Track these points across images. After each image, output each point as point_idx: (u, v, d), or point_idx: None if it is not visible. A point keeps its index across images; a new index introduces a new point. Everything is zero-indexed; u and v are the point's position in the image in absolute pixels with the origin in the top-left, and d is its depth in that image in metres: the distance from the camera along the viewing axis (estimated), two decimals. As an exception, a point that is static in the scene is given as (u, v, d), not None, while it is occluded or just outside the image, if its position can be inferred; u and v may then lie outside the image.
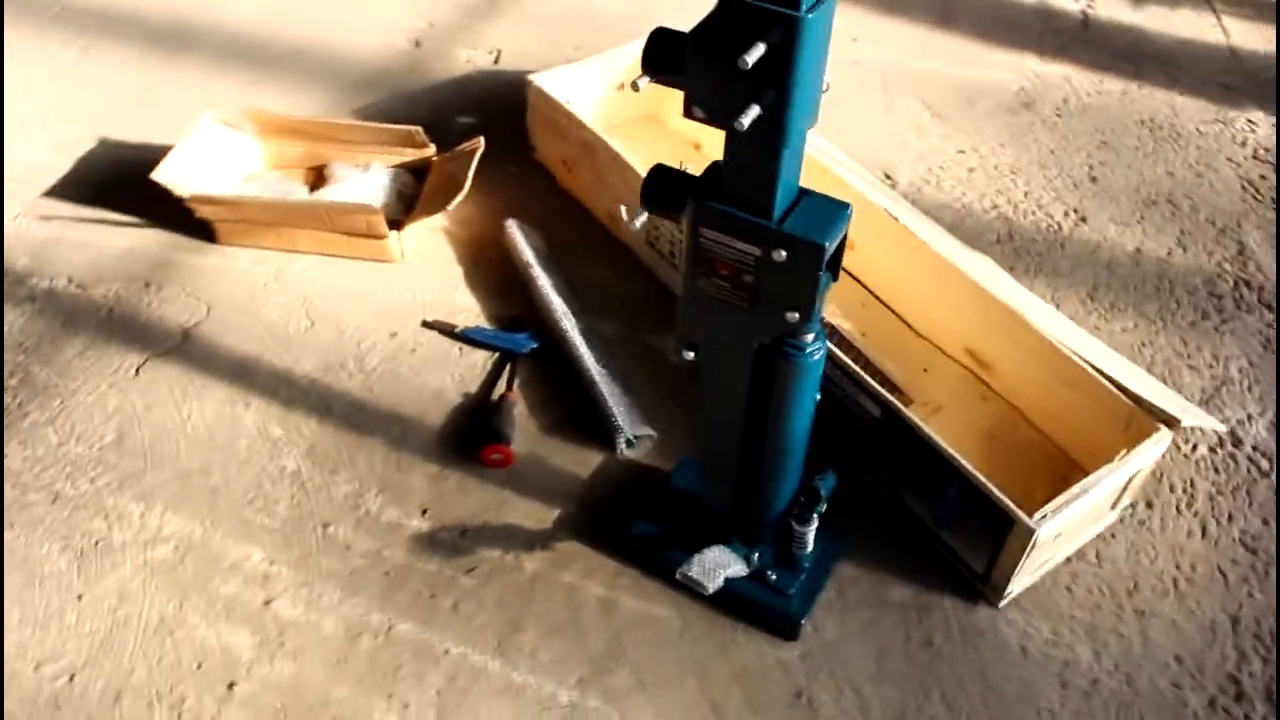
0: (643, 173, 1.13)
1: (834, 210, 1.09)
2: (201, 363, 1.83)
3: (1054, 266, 1.99)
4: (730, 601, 1.46)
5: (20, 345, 1.86)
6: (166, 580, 1.53)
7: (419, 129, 2.08)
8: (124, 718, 1.39)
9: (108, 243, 2.06)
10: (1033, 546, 1.38)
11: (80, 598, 1.51)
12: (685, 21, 1.01)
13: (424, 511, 1.60)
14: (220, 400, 1.77)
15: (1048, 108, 2.36)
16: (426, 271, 1.99)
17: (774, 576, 1.44)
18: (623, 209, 1.09)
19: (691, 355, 1.24)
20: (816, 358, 1.19)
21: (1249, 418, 1.75)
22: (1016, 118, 2.33)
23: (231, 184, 2.11)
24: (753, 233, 1.08)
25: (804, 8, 0.92)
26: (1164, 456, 1.68)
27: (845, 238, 1.11)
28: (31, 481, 1.66)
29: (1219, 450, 1.70)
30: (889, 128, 2.31)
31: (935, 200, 2.12)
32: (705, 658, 1.43)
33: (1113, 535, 1.59)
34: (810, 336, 1.18)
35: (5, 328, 1.89)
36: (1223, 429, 1.72)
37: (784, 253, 1.07)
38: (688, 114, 1.02)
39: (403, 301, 1.93)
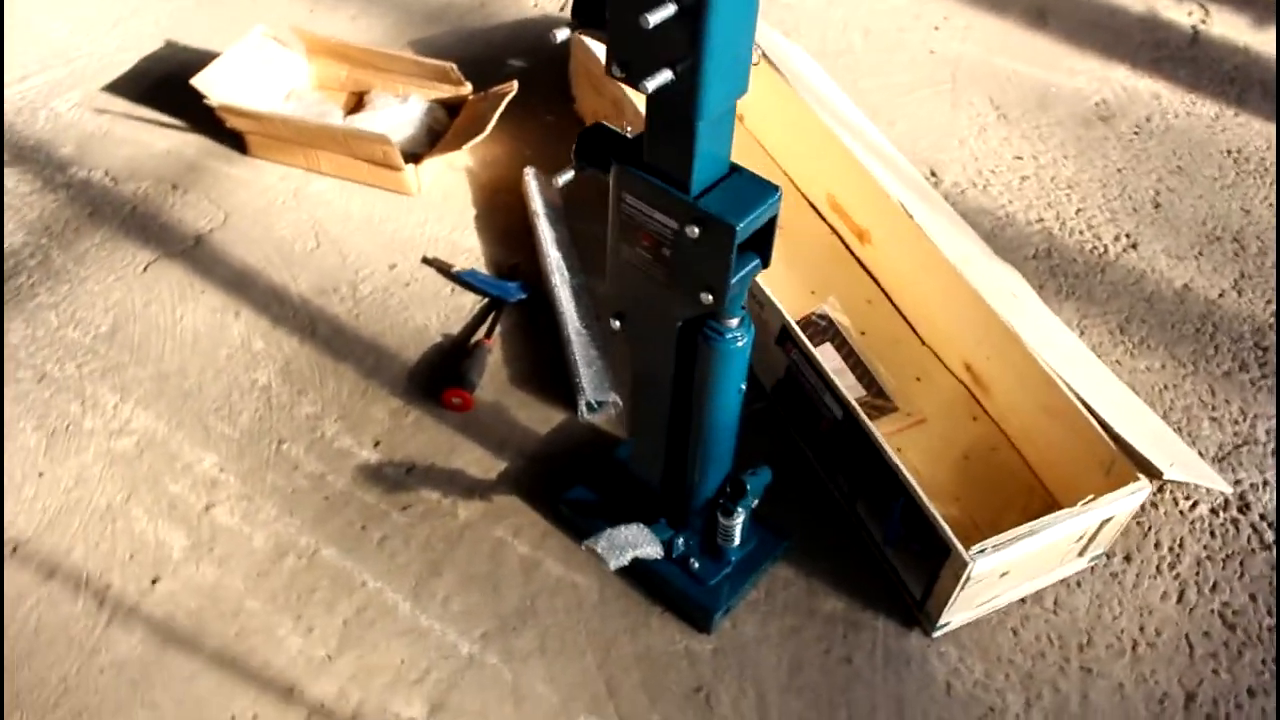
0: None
1: (760, 192, 1.02)
2: (206, 268, 1.87)
3: (1089, 291, 1.86)
4: (651, 583, 1.42)
5: (46, 229, 1.93)
6: (122, 471, 1.57)
7: (453, 66, 2.06)
8: (51, 594, 1.43)
9: (149, 141, 2.11)
10: (967, 579, 1.29)
11: (41, 475, 1.57)
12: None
13: (376, 443, 1.61)
14: (214, 307, 1.80)
15: (1126, 124, 2.20)
16: (440, 208, 1.98)
17: (697, 565, 1.39)
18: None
19: (618, 324, 1.20)
20: (739, 345, 1.13)
21: (1264, 483, 1.61)
22: (1089, 130, 2.18)
23: (273, 99, 2.13)
24: (669, 204, 1.03)
25: (721, -32, 0.86)
26: (1157, 510, 1.56)
27: (773, 222, 1.05)
28: (25, 359, 1.72)
29: (1221, 513, 1.57)
30: (949, 123, 2.19)
31: (977, 204, 2.01)
32: (614, 634, 1.40)
33: (1078, 583, 1.48)
34: (734, 322, 1.12)
35: (38, 212, 1.96)
36: (1229, 491, 1.58)
37: (697, 229, 1.01)
38: (608, 71, 0.97)
39: (410, 235, 1.93)
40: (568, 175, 1.09)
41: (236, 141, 2.07)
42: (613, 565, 1.27)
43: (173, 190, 2.01)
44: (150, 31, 2.36)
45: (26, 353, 1.73)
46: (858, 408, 1.42)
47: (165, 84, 2.22)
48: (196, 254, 1.90)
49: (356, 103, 2.16)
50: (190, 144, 2.11)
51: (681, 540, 1.39)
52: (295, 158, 2.03)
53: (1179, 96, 2.28)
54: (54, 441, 1.61)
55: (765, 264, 1.09)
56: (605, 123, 1.11)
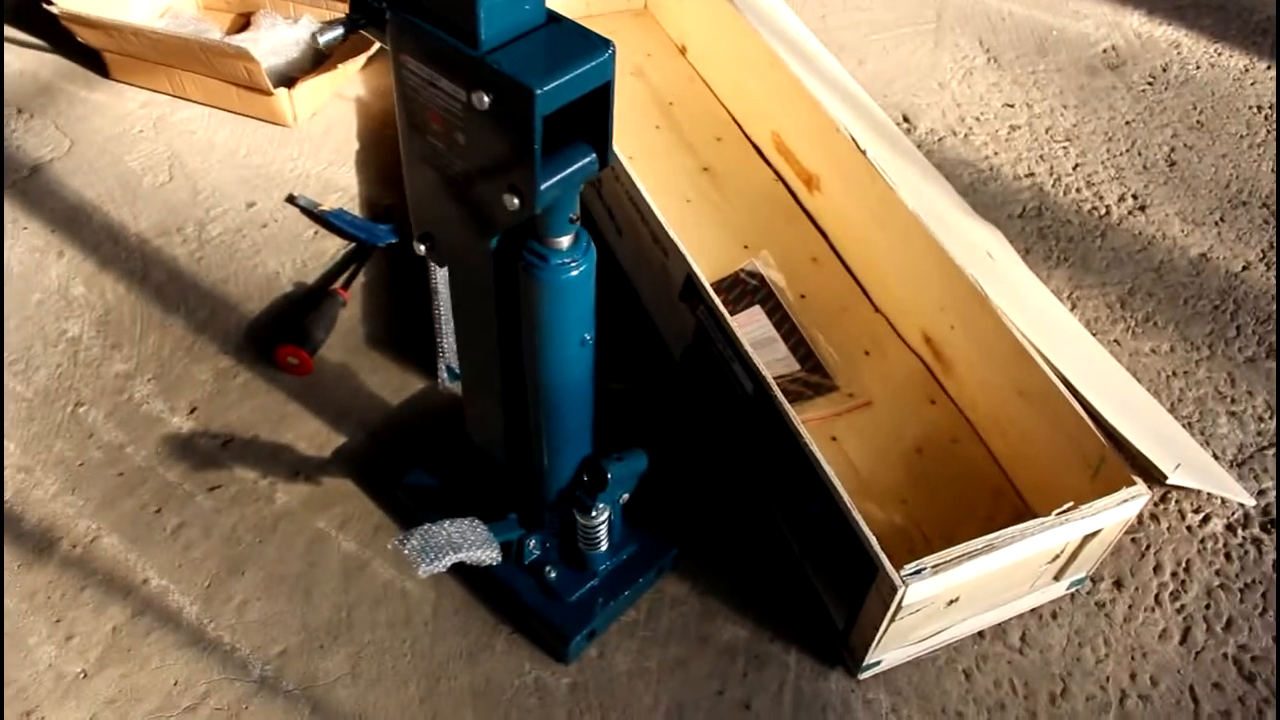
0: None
1: (580, 47, 0.72)
2: (35, 202, 1.58)
3: (1084, 258, 1.54)
4: (499, 596, 1.12)
5: None
6: (-122, 434, 1.28)
7: (344, -25, 1.77)
8: None
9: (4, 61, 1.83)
10: (898, 608, 0.98)
11: None
12: None
13: (192, 410, 1.31)
14: (34, 246, 1.51)
15: (1138, 73, 1.88)
16: (318, 141, 1.68)
17: (553, 575, 1.08)
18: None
19: (424, 248, 0.90)
20: (574, 274, 0.83)
21: (1294, 495, 1.29)
22: (1095, 79, 1.86)
23: (146, 16, 1.84)
24: (451, 63, 0.72)
25: None
26: (1158, 525, 1.24)
27: (606, 96, 0.74)
28: None
29: (1240, 531, 1.25)
30: (929, 65, 1.88)
31: (956, 155, 1.69)
32: (446, 659, 1.09)
33: (1053, 615, 1.17)
34: (562, 242, 0.81)
35: None
36: (1250, 502, 1.26)
37: (487, 97, 0.71)
38: None
39: (278, 170, 1.63)
40: (335, 32, 0.79)
41: (98, 63, 1.78)
42: (423, 571, 0.97)
43: (18, 115, 1.73)
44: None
45: None
46: (771, 380, 1.10)
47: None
48: (28, 186, 1.60)
49: (243, 24, 1.87)
50: (47, 65, 1.82)
51: (534, 543, 1.08)
52: (159, 81, 1.74)
53: (1202, 46, 1.95)
54: None
55: (604, 161, 0.78)
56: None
